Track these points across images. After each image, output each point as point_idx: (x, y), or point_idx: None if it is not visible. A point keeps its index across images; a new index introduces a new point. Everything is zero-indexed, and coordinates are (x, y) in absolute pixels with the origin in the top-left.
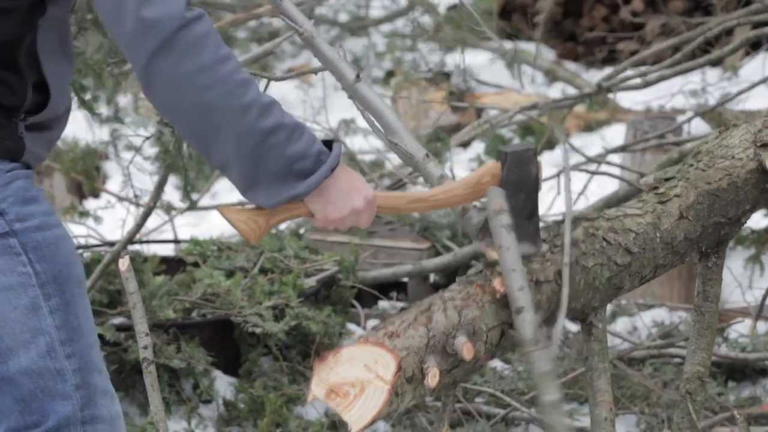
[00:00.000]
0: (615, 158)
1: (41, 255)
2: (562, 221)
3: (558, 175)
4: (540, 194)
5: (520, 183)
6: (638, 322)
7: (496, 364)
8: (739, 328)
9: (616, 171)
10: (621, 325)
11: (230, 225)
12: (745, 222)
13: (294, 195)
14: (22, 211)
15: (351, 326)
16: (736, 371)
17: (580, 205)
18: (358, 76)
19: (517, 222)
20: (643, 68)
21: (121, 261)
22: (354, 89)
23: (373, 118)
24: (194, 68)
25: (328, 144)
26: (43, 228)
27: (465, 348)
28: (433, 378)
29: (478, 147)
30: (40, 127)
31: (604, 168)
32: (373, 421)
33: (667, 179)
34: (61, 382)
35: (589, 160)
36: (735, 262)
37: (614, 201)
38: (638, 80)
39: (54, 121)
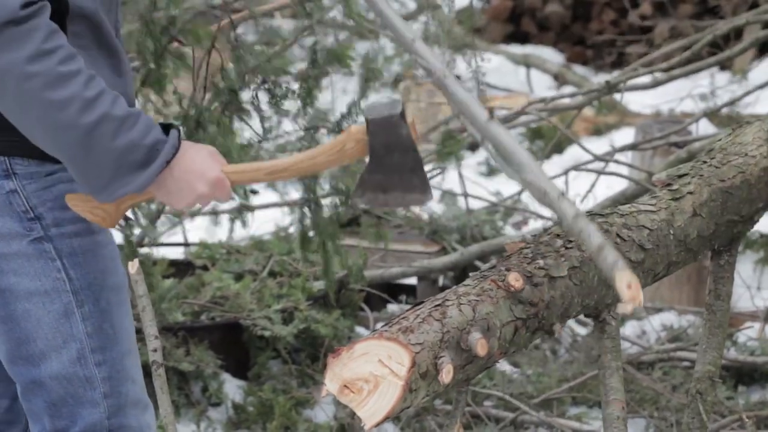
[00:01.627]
0: (623, 160)
1: (76, 261)
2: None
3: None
4: (419, 148)
5: (390, 145)
6: (647, 325)
7: (505, 367)
8: (748, 332)
9: (625, 171)
10: (630, 328)
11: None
12: (758, 220)
13: (128, 191)
14: (60, 216)
15: (360, 329)
16: (745, 375)
17: (588, 204)
18: (491, 114)
19: (399, 177)
20: (652, 68)
21: (130, 264)
22: (486, 129)
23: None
24: (15, 59)
25: (168, 129)
26: (81, 234)
27: (479, 344)
28: (447, 374)
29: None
30: None
31: (612, 167)
32: (387, 417)
33: (680, 176)
34: (89, 390)
35: (597, 158)
36: (744, 266)
37: (622, 200)
38: (647, 80)
39: None
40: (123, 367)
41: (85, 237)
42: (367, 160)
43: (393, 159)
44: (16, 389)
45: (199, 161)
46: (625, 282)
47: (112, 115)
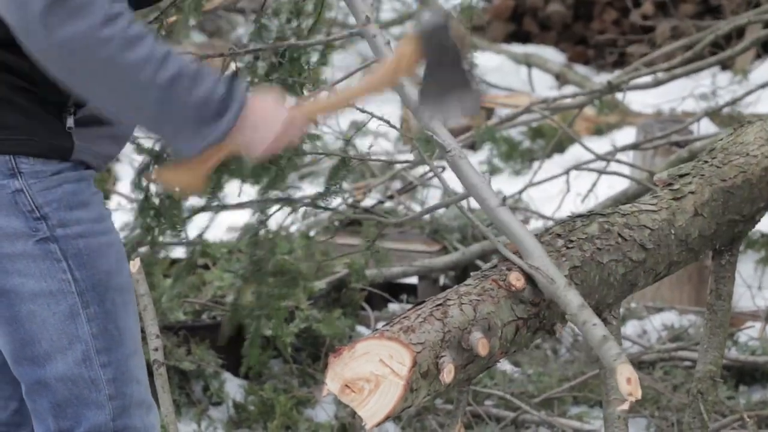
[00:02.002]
0: (625, 159)
1: (81, 262)
2: (577, 216)
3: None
4: (465, 59)
5: (440, 55)
6: (648, 325)
7: (506, 366)
8: (750, 332)
9: (626, 170)
10: (631, 328)
11: (170, 187)
12: (759, 220)
13: (212, 141)
14: (66, 216)
15: (361, 329)
16: (746, 375)
17: (590, 204)
18: (503, 201)
19: (453, 87)
20: (654, 68)
21: (131, 263)
22: (496, 214)
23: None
24: (89, 26)
25: (233, 80)
26: (87, 235)
27: (480, 344)
28: (448, 373)
29: (488, 149)
30: (98, 121)
31: (613, 167)
32: (387, 417)
33: (681, 175)
34: (94, 391)
35: (599, 158)
36: (745, 266)
37: (623, 200)
38: (648, 79)
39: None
40: (128, 368)
41: (90, 238)
42: (421, 73)
43: (444, 70)
44: None
45: (268, 104)
46: (626, 376)
47: (185, 70)
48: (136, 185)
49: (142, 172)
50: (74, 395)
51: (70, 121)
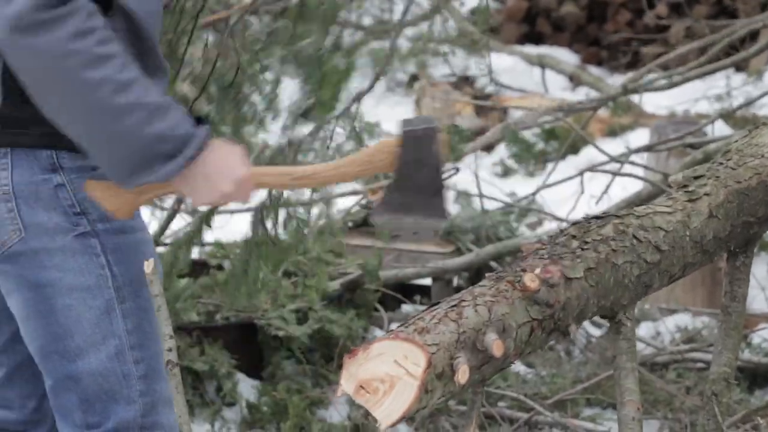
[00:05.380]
0: (638, 161)
1: (119, 258)
2: (592, 218)
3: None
4: (443, 168)
5: (421, 160)
6: (661, 327)
7: (519, 368)
8: (763, 333)
9: (640, 172)
10: (644, 329)
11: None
12: None
13: (150, 180)
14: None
15: (374, 330)
16: (759, 376)
17: (604, 206)
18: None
19: (422, 199)
20: (670, 72)
21: (146, 263)
22: None
23: None
24: (58, 37)
25: (200, 124)
26: (125, 231)
27: (495, 345)
28: (462, 374)
29: (501, 151)
30: None
31: (627, 169)
32: (402, 418)
33: (696, 177)
34: (126, 387)
35: (612, 159)
36: (759, 267)
37: (637, 202)
38: (663, 81)
39: None
40: (159, 365)
41: (129, 234)
42: (393, 176)
43: (419, 178)
44: (43, 389)
45: (227, 159)
46: None
47: (145, 102)
48: None
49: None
50: (104, 390)
51: None
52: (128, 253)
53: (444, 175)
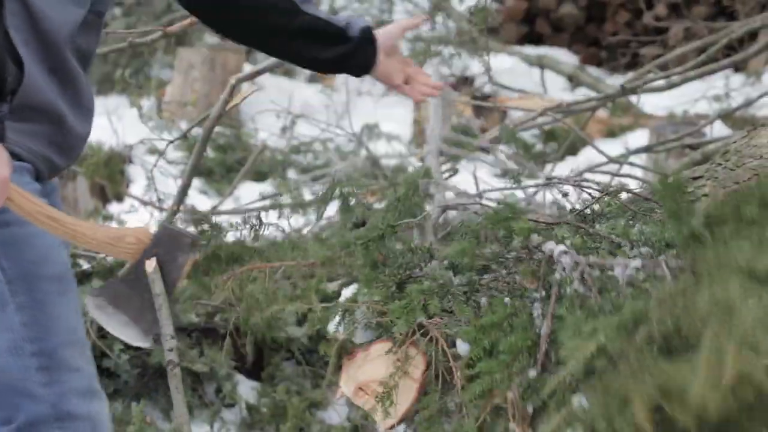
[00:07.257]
0: (638, 162)
1: (7, 252)
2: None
3: (580, 175)
4: (177, 287)
5: (163, 264)
6: None
7: None
8: None
9: (639, 173)
10: None
11: None
12: None
13: None
14: None
15: None
16: None
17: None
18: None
19: (143, 304)
20: (668, 72)
21: (147, 263)
22: None
23: None
24: None
25: None
26: (13, 224)
27: None
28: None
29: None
30: (29, 118)
31: (626, 169)
32: (401, 420)
33: (695, 178)
34: (26, 380)
35: (611, 160)
36: None
37: None
38: (662, 82)
39: (45, 115)
40: (62, 357)
41: (15, 227)
42: (128, 268)
43: (157, 282)
44: None
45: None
46: None
47: None
48: None
49: None
50: (6, 385)
51: (5, 108)
52: (18, 247)
53: (170, 299)
